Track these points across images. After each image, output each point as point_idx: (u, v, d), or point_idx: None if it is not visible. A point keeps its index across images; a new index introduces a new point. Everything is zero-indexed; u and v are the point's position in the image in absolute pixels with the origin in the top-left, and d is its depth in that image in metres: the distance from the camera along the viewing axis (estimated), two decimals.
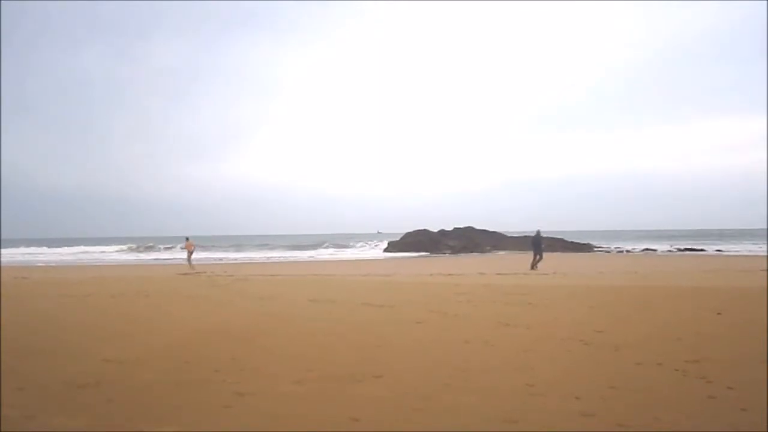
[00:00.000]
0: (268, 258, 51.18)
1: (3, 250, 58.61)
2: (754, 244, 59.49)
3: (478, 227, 60.83)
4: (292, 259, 49.84)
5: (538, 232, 27.49)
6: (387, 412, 4.88)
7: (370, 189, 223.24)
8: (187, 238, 33.45)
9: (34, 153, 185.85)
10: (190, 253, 32.70)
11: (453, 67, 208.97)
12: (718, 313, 10.26)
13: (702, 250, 52.15)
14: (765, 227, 64.00)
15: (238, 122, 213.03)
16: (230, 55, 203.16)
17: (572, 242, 57.36)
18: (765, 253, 40.37)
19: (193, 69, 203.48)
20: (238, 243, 75.25)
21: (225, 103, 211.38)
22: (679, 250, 53.00)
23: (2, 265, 37.23)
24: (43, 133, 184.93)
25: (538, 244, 27.39)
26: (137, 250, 67.24)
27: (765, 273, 20.51)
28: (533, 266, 26.62)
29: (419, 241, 57.79)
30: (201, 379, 6.00)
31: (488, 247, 55.44)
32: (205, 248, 63.93)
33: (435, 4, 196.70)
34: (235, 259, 48.32)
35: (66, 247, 67.66)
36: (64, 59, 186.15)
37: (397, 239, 60.78)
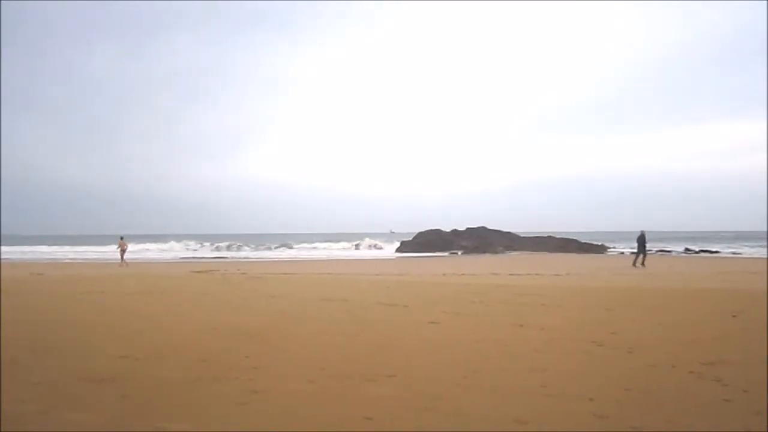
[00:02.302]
0: (281, 256, 51.31)
1: (20, 248, 59.37)
2: None
3: (490, 227, 60.61)
4: (303, 257, 49.96)
5: (643, 233, 30.06)
6: (400, 412, 4.89)
7: (383, 189, 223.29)
8: (122, 238, 36.42)
9: (44, 151, 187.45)
10: (123, 251, 35.52)
11: (466, 67, 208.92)
12: (734, 315, 10.19)
13: (717, 251, 51.62)
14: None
15: (250, 121, 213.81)
16: (243, 54, 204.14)
17: (586, 243, 57.04)
18: None
19: (204, 68, 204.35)
20: (250, 242, 75.38)
21: (237, 102, 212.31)
22: (694, 252, 52.49)
23: (19, 261, 37.90)
24: (54, 131, 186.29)
25: (642, 243, 30.09)
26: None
27: None
28: (638, 263, 29.13)
29: (431, 240, 57.61)
30: (214, 377, 6.04)
31: (501, 248, 55.11)
32: (219, 247, 64.27)
33: (452, 4, 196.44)
34: (248, 258, 48.49)
35: (81, 246, 68.14)
36: (75, 57, 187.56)
37: (410, 239, 60.68)
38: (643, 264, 28.85)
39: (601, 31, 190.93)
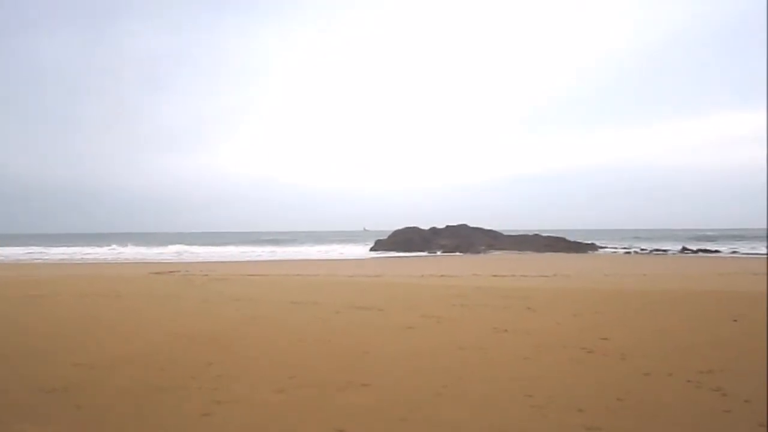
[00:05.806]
0: (248, 256, 51.05)
1: None
2: None
3: (472, 225, 60.92)
4: (272, 257, 49.77)
5: None
6: (374, 423, 4.90)
7: (357, 185, 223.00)
8: None
9: None
10: None
11: (445, 60, 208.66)
12: (734, 320, 10.32)
13: (717, 251, 52.12)
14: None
15: (217, 113, 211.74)
16: (212, 41, 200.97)
17: (574, 242, 57.45)
18: None
19: (166, 55, 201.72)
20: (216, 240, 74.91)
21: (205, 93, 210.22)
22: (692, 251, 52.99)
23: None
24: (9, 123, 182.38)
25: None
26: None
27: None
28: None
29: (409, 239, 57.68)
30: (176, 386, 6.01)
31: (484, 247, 55.41)
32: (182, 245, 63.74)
33: None
34: (213, 257, 48.15)
35: (30, 246, 66.99)
36: (25, 44, 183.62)
37: (385, 237, 60.71)
38: None
39: (587, 19, 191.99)
